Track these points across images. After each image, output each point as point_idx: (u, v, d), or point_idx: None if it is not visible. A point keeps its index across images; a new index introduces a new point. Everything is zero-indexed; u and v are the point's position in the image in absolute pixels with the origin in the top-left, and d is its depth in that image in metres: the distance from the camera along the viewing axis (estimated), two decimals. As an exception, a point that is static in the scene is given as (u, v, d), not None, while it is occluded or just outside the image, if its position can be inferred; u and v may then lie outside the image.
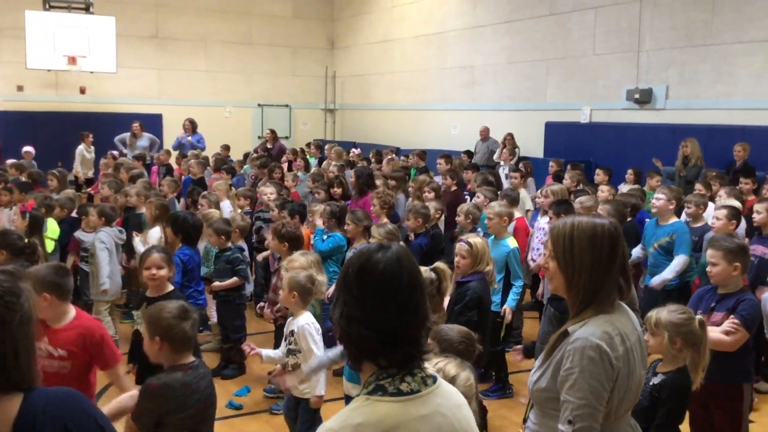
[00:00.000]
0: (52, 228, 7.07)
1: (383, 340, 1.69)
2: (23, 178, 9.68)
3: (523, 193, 8.64)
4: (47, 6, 16.14)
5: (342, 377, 5.97)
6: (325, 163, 12.64)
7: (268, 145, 15.21)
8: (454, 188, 8.94)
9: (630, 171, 9.89)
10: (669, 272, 6.00)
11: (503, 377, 5.95)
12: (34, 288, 3.34)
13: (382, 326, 1.69)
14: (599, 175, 9.45)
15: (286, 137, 20.52)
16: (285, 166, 12.42)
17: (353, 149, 14.71)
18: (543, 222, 7.01)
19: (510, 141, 13.06)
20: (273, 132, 15.88)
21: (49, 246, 6.72)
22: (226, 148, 14.50)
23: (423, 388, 1.73)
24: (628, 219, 6.66)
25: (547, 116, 13.81)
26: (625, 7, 12.36)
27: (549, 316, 4.78)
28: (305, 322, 4.30)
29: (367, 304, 1.70)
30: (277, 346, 5.63)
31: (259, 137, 18.69)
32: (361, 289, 1.71)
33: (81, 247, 7.09)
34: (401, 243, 5.18)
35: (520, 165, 10.83)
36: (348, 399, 4.32)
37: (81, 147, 14.76)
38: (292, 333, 4.31)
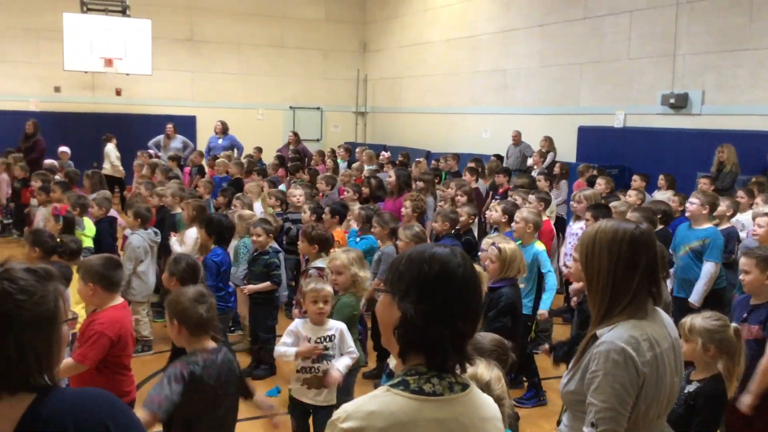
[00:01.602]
0: (88, 226, 7.19)
1: (455, 340, 1.73)
2: (59, 178, 9.85)
3: (551, 196, 8.57)
4: (85, 9, 16.41)
5: (367, 379, 6.04)
6: (356, 164, 12.68)
7: (291, 147, 15.31)
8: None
9: (662, 177, 9.77)
10: (702, 285, 5.92)
11: (536, 383, 5.91)
12: (83, 277, 3.42)
13: (458, 328, 1.74)
14: (636, 181, 9.35)
15: (317, 140, 20.64)
16: (322, 167, 12.49)
17: (383, 152, 14.73)
18: (576, 227, 6.96)
19: (545, 144, 12.98)
20: (296, 134, 15.98)
21: (87, 243, 6.83)
22: (259, 150, 14.62)
23: (447, 392, 1.73)
24: (660, 227, 6.57)
25: (580, 120, 13.70)
26: (661, 11, 12.22)
27: (579, 321, 4.75)
28: (340, 325, 4.37)
29: (448, 304, 1.74)
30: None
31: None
32: (443, 290, 1.74)
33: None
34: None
35: (556, 167, 10.75)
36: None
37: (111, 146, 14.92)
38: (329, 338, 4.31)
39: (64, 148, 13.47)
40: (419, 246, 1.90)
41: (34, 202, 9.52)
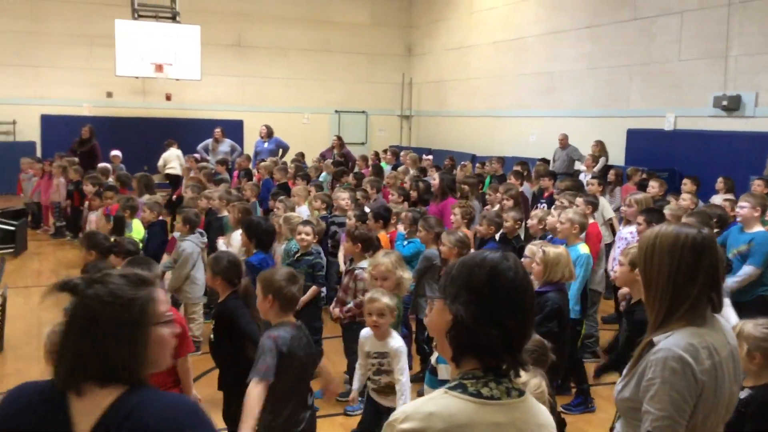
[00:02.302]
0: (137, 229, 7.33)
1: (505, 342, 1.73)
2: (112, 181, 10.07)
3: (603, 201, 8.44)
4: (136, 15, 16.78)
5: (412, 383, 6.03)
6: (401, 168, 12.70)
7: (335, 152, 15.39)
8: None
9: (720, 180, 9.54)
10: (733, 280, 5.76)
11: (585, 389, 5.82)
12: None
13: (507, 329, 1.74)
14: (687, 185, 9.15)
15: (362, 143, 20.73)
16: (366, 171, 12.54)
17: (425, 156, 14.71)
18: (626, 232, 6.85)
19: (597, 148, 12.82)
20: (340, 138, 16.06)
21: None
22: (301, 155, 14.69)
23: (504, 397, 1.74)
24: (715, 231, 6.42)
25: (630, 123, 13.49)
26: (713, 12, 11.96)
27: (629, 328, 4.67)
28: (400, 344, 4.35)
29: (498, 306, 1.74)
30: (349, 348, 5.71)
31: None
32: (492, 291, 1.75)
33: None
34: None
35: (610, 174, 10.60)
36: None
37: (173, 150, 15.17)
38: (383, 355, 4.32)
39: (116, 152, 13.77)
40: (473, 252, 1.93)
41: (87, 205, 9.76)
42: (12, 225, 10.83)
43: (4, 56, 17.67)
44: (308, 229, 6.18)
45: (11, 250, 10.63)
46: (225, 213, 7.92)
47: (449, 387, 1.75)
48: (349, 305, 5.63)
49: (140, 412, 1.68)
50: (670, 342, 2.26)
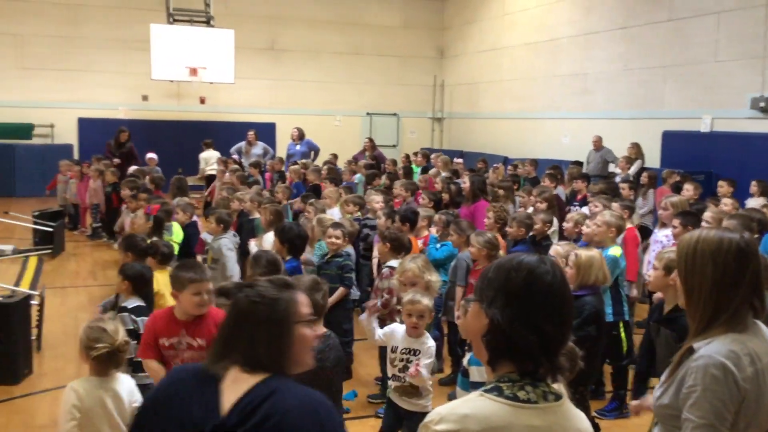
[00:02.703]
0: (176, 232, 7.39)
1: (542, 346, 1.71)
2: (147, 184, 10.20)
3: (636, 204, 8.32)
4: (171, 20, 17.01)
5: (444, 386, 6.01)
6: (432, 171, 12.67)
7: (366, 154, 15.40)
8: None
9: (754, 183, 9.36)
10: None
11: (622, 395, 5.74)
12: None
13: (544, 333, 1.72)
14: (723, 187, 8.98)
15: (394, 146, 20.75)
16: (401, 172, 12.54)
17: (455, 159, 14.65)
18: (661, 235, 6.75)
19: (633, 150, 12.67)
20: (371, 140, 16.08)
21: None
22: (335, 156, 14.77)
23: (541, 401, 1.71)
24: (755, 235, 6.28)
25: (665, 125, 13.30)
26: (750, 12, 11.74)
27: (664, 336, 4.59)
28: (433, 344, 4.37)
29: (535, 310, 1.73)
30: (384, 349, 5.71)
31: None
32: (529, 295, 1.74)
33: (204, 249, 7.38)
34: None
35: (643, 176, 10.46)
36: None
37: (211, 152, 15.30)
38: (414, 352, 4.32)
39: (151, 155, 13.95)
40: (511, 254, 1.90)
41: (124, 207, 9.89)
42: (50, 226, 11.03)
43: (43, 61, 18.04)
44: (338, 232, 6.18)
45: (49, 251, 10.83)
46: (256, 215, 7.97)
47: (485, 389, 1.73)
48: (374, 302, 5.61)
49: (281, 395, 1.86)
50: (712, 349, 2.22)
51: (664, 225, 6.83)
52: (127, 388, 3.45)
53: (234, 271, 6.81)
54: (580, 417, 1.80)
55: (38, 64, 18.02)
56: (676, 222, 6.11)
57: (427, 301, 4.39)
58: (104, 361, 3.32)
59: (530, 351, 1.71)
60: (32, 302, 6.56)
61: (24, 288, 8.17)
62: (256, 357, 1.93)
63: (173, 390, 1.97)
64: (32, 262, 10.44)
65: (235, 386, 1.90)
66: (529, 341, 1.70)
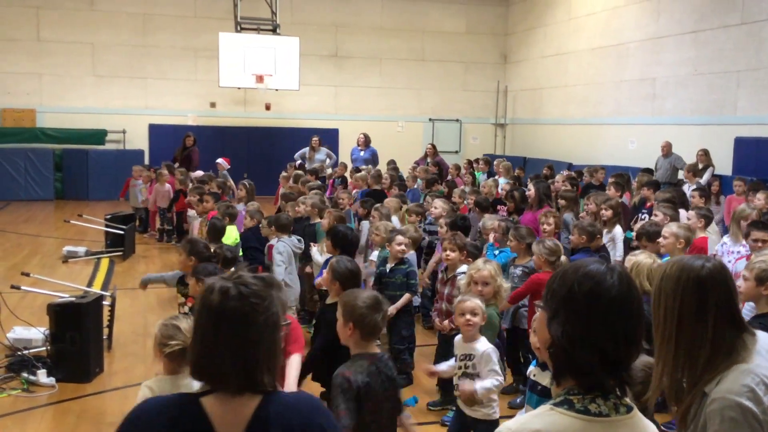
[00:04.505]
0: (229, 234, 7.49)
1: (603, 363, 1.66)
2: (214, 189, 10.42)
3: (683, 214, 8.04)
4: (239, 28, 17.37)
5: (504, 395, 5.94)
6: (491, 180, 12.57)
7: (428, 160, 15.36)
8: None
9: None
10: None
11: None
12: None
13: (606, 351, 1.66)
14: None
15: (456, 152, 20.67)
16: (458, 180, 12.49)
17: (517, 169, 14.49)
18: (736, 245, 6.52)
19: (702, 158, 12.31)
20: (434, 146, 16.03)
21: None
22: (393, 163, 14.73)
23: (613, 413, 1.67)
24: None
25: (737, 131, 12.88)
26: (831, 12, 11.30)
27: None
28: (487, 347, 4.33)
29: (596, 328, 1.66)
30: (442, 357, 5.69)
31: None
32: (590, 312, 1.67)
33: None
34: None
35: (713, 184, 10.14)
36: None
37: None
38: (469, 357, 4.31)
39: (220, 160, 14.18)
40: (579, 261, 1.80)
41: (192, 213, 10.13)
42: (121, 229, 11.38)
43: (116, 68, 18.67)
44: (406, 240, 6.21)
45: (120, 253, 11.18)
46: (317, 220, 8.04)
47: (554, 403, 1.68)
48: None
49: (288, 414, 1.73)
50: (723, 389, 2.07)
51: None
52: (198, 385, 3.52)
53: (279, 276, 6.77)
54: (650, 428, 1.75)
55: (111, 72, 18.66)
56: (748, 232, 5.90)
57: (477, 300, 4.39)
58: (177, 358, 3.34)
59: (590, 371, 1.66)
60: (104, 303, 6.78)
61: (96, 289, 8.45)
62: (252, 370, 1.73)
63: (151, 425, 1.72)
64: (104, 263, 10.79)
65: (230, 413, 1.72)
66: (590, 362, 1.65)
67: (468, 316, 4.31)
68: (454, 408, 4.78)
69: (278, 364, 1.81)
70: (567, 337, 1.66)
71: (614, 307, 1.67)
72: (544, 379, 3.79)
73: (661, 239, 5.74)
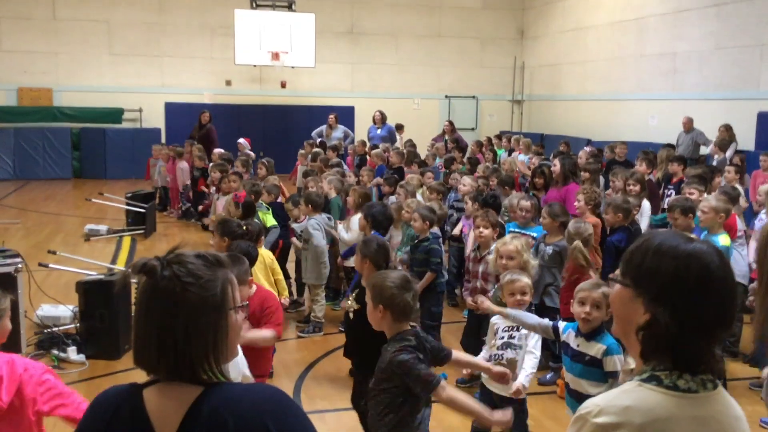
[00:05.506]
0: (263, 216, 7.51)
1: (710, 345, 1.62)
2: (237, 167, 10.39)
3: (740, 190, 7.96)
4: (254, 5, 17.27)
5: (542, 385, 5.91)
6: (512, 155, 12.50)
7: (446, 137, 15.27)
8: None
9: None
10: None
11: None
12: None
13: (716, 335, 1.63)
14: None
15: (472, 129, 20.55)
16: (479, 156, 12.42)
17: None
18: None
19: (724, 133, 12.16)
20: (451, 123, 15.93)
21: (271, 222, 7.31)
22: (410, 142, 14.66)
23: (701, 389, 1.63)
24: None
25: (761, 106, 12.70)
26: None
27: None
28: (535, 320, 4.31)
29: (709, 313, 1.61)
30: (470, 335, 5.67)
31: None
32: (704, 298, 1.60)
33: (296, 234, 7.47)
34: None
35: (735, 159, 10.03)
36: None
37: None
38: (516, 328, 4.27)
39: (241, 140, 14.09)
40: (667, 237, 1.70)
41: (214, 190, 10.11)
42: (143, 207, 11.42)
43: (131, 47, 18.63)
44: (416, 215, 6.17)
45: (142, 232, 11.22)
46: (333, 195, 8.09)
47: (641, 379, 1.64)
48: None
49: (225, 410, 1.56)
50: None
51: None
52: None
53: (321, 246, 6.93)
54: (735, 404, 1.72)
55: (127, 50, 18.62)
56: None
57: (526, 279, 4.37)
58: None
59: (696, 354, 1.62)
60: (132, 281, 6.80)
61: (120, 266, 8.48)
62: (191, 360, 1.58)
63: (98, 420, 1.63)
64: (126, 241, 10.83)
65: (168, 406, 1.59)
66: (698, 346, 1.61)
67: (518, 297, 4.32)
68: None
69: (226, 351, 1.64)
70: (678, 323, 1.60)
71: (724, 291, 1.63)
72: (590, 348, 3.75)
73: (699, 213, 5.66)
